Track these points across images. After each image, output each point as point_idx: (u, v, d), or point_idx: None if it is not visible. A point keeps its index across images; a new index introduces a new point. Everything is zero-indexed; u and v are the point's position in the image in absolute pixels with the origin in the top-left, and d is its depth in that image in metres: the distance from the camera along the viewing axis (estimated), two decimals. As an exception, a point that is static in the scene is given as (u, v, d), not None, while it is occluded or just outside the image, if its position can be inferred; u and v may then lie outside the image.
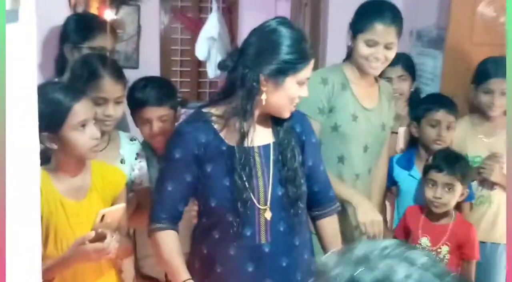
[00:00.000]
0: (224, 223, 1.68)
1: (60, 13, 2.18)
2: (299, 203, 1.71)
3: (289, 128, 1.74)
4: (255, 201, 1.67)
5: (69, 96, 1.61)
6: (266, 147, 1.72)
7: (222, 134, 1.68)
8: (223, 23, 5.53)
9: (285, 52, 1.60)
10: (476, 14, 2.82)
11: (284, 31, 1.62)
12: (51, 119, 1.54)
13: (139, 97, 2.08)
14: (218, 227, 1.70)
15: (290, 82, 1.63)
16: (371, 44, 2.05)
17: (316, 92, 2.02)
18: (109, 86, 1.92)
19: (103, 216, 1.61)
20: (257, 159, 1.70)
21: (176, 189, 1.71)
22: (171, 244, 1.70)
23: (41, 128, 1.40)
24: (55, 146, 1.61)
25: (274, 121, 1.73)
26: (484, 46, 2.78)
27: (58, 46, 2.29)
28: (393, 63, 2.56)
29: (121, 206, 1.71)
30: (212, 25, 5.42)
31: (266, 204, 1.68)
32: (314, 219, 1.87)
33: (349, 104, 2.11)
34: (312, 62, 1.67)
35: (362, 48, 2.06)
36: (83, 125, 1.63)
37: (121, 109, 2.00)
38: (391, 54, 2.09)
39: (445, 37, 2.93)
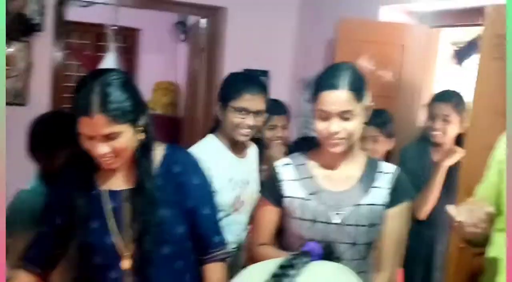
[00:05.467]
0: (91, 266, 1.68)
1: None
2: (160, 250, 1.66)
3: (162, 170, 1.69)
4: (116, 244, 1.66)
5: None
6: (127, 191, 1.68)
7: (95, 178, 1.70)
8: (119, 62, 5.52)
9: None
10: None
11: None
12: None
13: None
14: (90, 270, 1.70)
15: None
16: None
17: None
18: None
19: None
20: (125, 203, 1.67)
21: (47, 233, 1.72)
22: None
23: None
24: None
25: (140, 164, 1.66)
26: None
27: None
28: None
29: None
30: (108, 64, 5.38)
31: (128, 249, 1.67)
32: (200, 264, 1.81)
33: None
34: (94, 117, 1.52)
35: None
36: None
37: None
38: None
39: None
